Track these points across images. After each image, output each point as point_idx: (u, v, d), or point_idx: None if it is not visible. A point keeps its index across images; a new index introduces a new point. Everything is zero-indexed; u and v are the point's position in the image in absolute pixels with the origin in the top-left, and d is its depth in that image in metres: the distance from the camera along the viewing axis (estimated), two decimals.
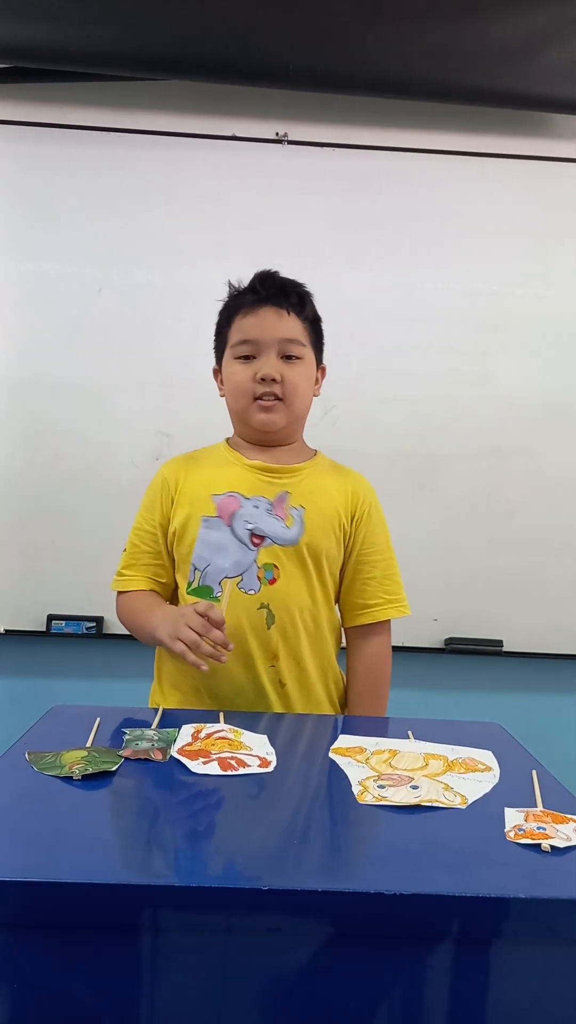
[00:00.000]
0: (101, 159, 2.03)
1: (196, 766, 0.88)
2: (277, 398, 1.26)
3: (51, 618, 2.05)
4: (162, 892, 0.62)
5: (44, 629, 2.04)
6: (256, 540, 1.10)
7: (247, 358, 1.27)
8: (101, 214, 2.04)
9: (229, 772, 0.87)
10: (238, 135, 2.05)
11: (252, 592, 1.12)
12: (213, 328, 2.03)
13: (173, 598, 1.31)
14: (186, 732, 1.00)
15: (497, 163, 2.08)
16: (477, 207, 2.08)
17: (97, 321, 2.04)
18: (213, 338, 1.37)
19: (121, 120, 2.04)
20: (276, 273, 1.34)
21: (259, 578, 1.12)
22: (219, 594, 1.10)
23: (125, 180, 2.04)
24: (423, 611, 2.12)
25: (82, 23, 1.86)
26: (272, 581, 1.20)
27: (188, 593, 1.11)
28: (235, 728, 1.02)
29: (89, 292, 2.04)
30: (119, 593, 1.33)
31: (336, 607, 1.34)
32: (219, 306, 2.09)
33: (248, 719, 1.14)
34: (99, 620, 2.04)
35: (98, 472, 2.05)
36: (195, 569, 1.09)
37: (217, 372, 1.37)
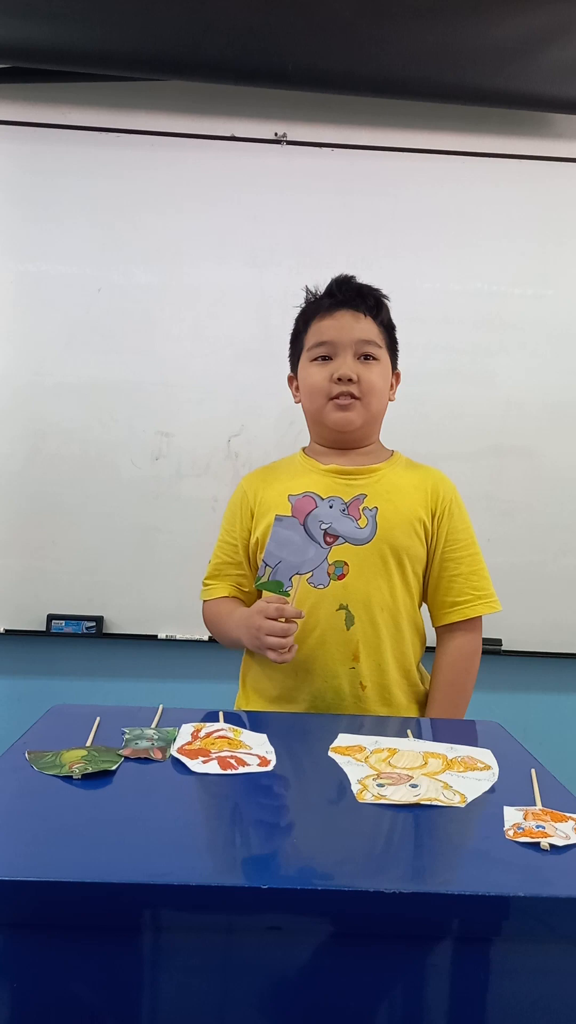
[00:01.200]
0: (100, 159, 2.03)
1: (196, 765, 0.88)
2: (354, 397, 1.27)
3: (51, 618, 2.05)
4: (162, 891, 0.63)
5: (44, 629, 2.05)
6: (329, 539, 1.12)
7: (324, 359, 1.28)
8: (100, 214, 2.04)
9: (229, 771, 0.87)
10: (237, 135, 2.05)
11: (321, 587, 1.15)
12: (212, 327, 2.05)
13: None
14: (186, 731, 1.00)
15: (497, 163, 2.08)
16: (477, 207, 2.08)
17: (96, 321, 2.04)
18: (289, 346, 1.39)
19: (120, 120, 2.04)
20: (353, 277, 1.35)
21: (329, 574, 1.14)
22: (289, 588, 1.11)
23: (124, 180, 2.04)
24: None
25: (81, 23, 1.86)
26: (341, 577, 1.21)
27: (257, 587, 1.13)
28: (235, 727, 1.02)
29: (88, 292, 2.04)
30: (204, 602, 1.36)
31: (423, 607, 1.34)
32: (221, 305, 2.11)
33: (248, 717, 1.14)
34: (99, 620, 2.05)
35: (98, 471, 2.05)
36: (266, 565, 1.11)
37: (292, 379, 1.39)
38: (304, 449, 1.39)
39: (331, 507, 1.14)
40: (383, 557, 1.24)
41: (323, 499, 1.13)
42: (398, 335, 2.05)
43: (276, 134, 2.05)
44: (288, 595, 1.12)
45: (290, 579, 1.11)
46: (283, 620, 1.13)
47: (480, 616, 1.33)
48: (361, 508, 1.15)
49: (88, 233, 2.04)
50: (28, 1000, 0.63)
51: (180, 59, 1.91)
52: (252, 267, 2.04)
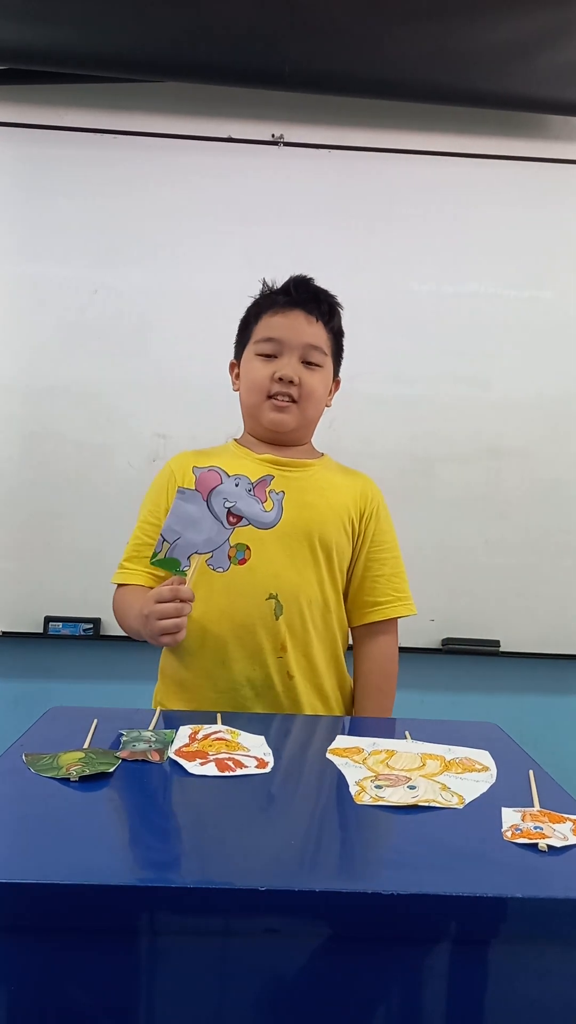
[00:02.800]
0: (96, 161, 2.04)
1: (193, 767, 0.88)
2: (292, 400, 1.27)
3: (48, 620, 2.04)
4: (159, 893, 0.62)
5: (41, 631, 2.04)
6: (232, 519, 1.08)
7: (269, 357, 1.28)
8: (97, 216, 2.04)
9: (227, 773, 0.87)
10: (234, 137, 2.05)
11: (221, 570, 1.11)
12: (209, 328, 2.05)
13: None
14: (183, 733, 1.00)
15: (493, 165, 2.08)
16: (473, 209, 2.08)
17: (93, 323, 2.04)
18: (237, 333, 1.38)
19: (117, 122, 2.04)
20: (311, 280, 1.35)
21: (230, 556, 1.12)
22: (186, 568, 1.08)
23: (121, 182, 2.04)
24: (420, 612, 2.11)
25: (78, 25, 1.86)
26: (242, 561, 1.20)
27: (152, 563, 1.09)
28: (232, 729, 1.02)
29: (85, 294, 2.04)
30: (117, 586, 1.33)
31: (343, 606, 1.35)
32: (218, 307, 2.10)
33: (246, 719, 1.14)
34: (96, 622, 2.04)
35: (95, 474, 2.05)
36: (163, 540, 1.07)
37: (234, 366, 1.38)
38: (236, 440, 1.39)
39: (237, 485, 1.07)
40: (313, 550, 1.25)
41: (229, 476, 1.08)
42: (397, 334, 2.08)
43: (273, 136, 2.05)
44: (185, 575, 1.08)
45: (188, 558, 1.07)
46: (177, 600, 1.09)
47: (397, 619, 1.34)
48: (268, 491, 1.11)
49: (84, 235, 2.04)
50: (25, 1003, 0.63)
51: (177, 61, 1.91)
52: (248, 269, 2.03)
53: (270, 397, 1.28)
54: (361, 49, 1.90)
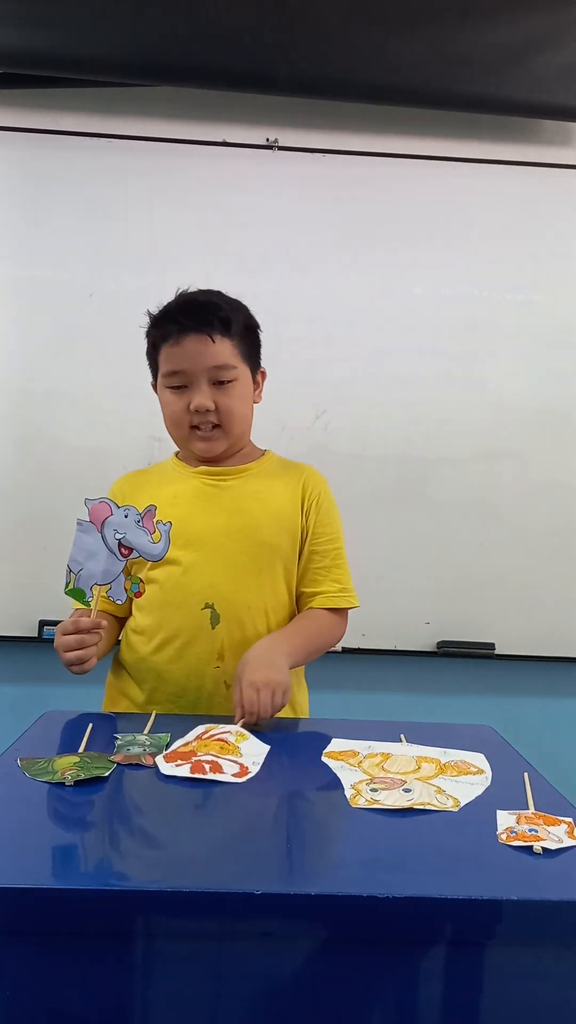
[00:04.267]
0: (93, 165, 2.04)
1: (168, 768, 0.88)
2: (215, 425, 1.26)
3: (43, 624, 2.04)
4: (155, 898, 0.62)
5: (36, 635, 2.04)
6: (124, 551, 1.10)
7: (179, 388, 1.26)
8: (92, 219, 2.04)
9: (198, 775, 0.86)
10: (229, 141, 2.05)
11: (119, 602, 1.12)
12: None
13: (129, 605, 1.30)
14: (193, 733, 0.99)
15: (488, 169, 2.09)
16: (467, 212, 2.09)
17: (88, 326, 2.04)
18: (146, 354, 1.34)
19: (113, 126, 2.04)
20: (197, 295, 1.31)
21: (125, 589, 1.13)
22: (90, 599, 1.10)
23: (116, 185, 2.04)
24: (415, 614, 2.13)
25: (73, 30, 1.86)
26: (138, 594, 1.22)
27: (65, 594, 1.12)
28: (242, 732, 1.01)
29: (80, 297, 2.04)
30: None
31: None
32: None
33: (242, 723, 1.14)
34: None
35: (90, 477, 2.02)
36: (69, 571, 1.10)
37: (156, 387, 1.36)
38: (177, 454, 1.39)
39: (126, 516, 1.09)
40: (253, 556, 1.24)
41: (119, 507, 1.09)
42: (393, 338, 2.08)
43: (268, 140, 2.06)
44: (89, 605, 1.10)
45: (90, 589, 1.09)
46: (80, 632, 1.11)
47: (344, 609, 1.32)
48: (155, 521, 1.11)
49: (79, 238, 2.04)
50: (20, 1007, 0.62)
51: (173, 65, 1.92)
52: (244, 272, 2.04)
53: (192, 427, 1.27)
54: (356, 53, 1.90)
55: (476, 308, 2.09)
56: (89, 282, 2.04)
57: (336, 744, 1.01)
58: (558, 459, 2.11)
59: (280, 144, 2.06)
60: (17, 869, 0.65)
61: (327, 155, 2.06)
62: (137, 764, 0.90)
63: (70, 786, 0.83)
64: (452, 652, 2.09)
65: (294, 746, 1.07)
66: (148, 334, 1.31)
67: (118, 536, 1.09)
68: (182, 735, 1.02)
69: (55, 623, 2.05)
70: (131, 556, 1.09)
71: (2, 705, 2.08)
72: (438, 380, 2.08)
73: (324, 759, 0.95)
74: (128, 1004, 0.63)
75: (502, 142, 2.09)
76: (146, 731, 1.02)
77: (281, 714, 1.18)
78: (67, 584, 1.09)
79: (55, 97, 2.03)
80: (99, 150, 2.03)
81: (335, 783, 0.87)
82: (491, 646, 2.10)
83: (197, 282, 2.04)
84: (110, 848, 0.70)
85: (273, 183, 2.05)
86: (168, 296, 2.04)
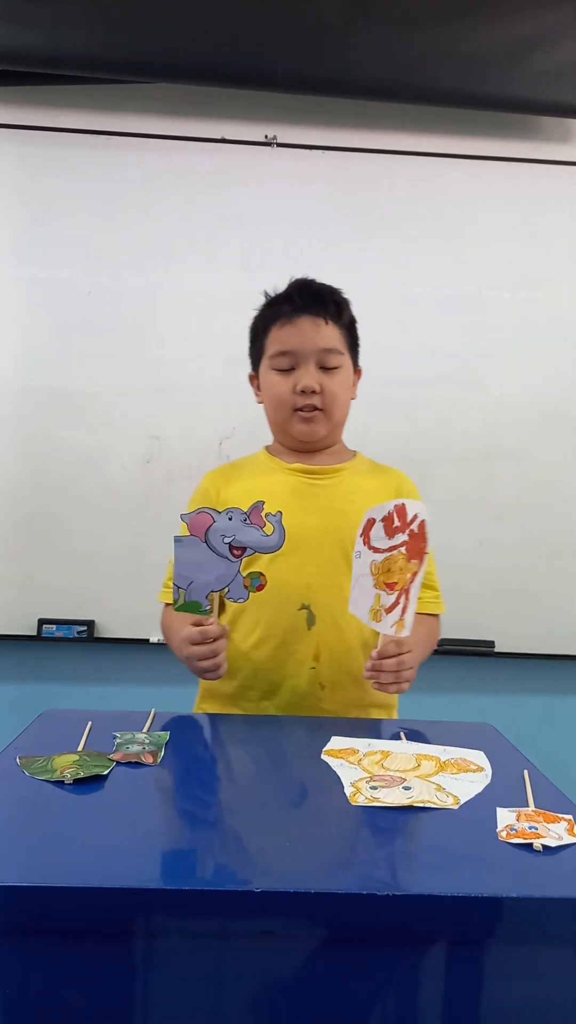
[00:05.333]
0: (91, 162, 2.03)
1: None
2: (317, 408, 1.27)
3: (42, 622, 2.04)
4: (154, 895, 0.62)
5: (35, 633, 2.04)
6: (236, 552, 1.09)
7: (286, 370, 1.27)
8: (91, 217, 2.03)
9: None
10: (228, 138, 2.05)
11: (241, 600, 1.12)
12: (204, 330, 2.05)
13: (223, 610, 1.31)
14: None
15: (486, 166, 2.09)
16: (466, 210, 2.09)
17: (87, 324, 2.03)
18: (249, 344, 1.36)
19: (111, 123, 2.04)
20: (313, 280, 1.33)
21: (246, 587, 1.13)
22: (207, 608, 1.10)
23: (115, 183, 2.04)
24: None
25: (73, 27, 1.86)
26: (259, 588, 1.18)
27: (176, 610, 1.12)
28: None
29: (79, 295, 2.03)
30: (165, 604, 1.35)
31: None
32: (212, 308, 2.11)
33: (243, 721, 1.14)
34: (90, 624, 2.04)
35: (89, 476, 2.04)
36: (177, 588, 1.10)
37: (253, 378, 1.37)
38: (267, 448, 1.39)
39: (230, 519, 1.09)
40: (347, 557, 1.23)
41: (219, 512, 1.09)
42: (391, 336, 2.07)
43: (267, 137, 2.06)
44: (208, 613, 1.11)
45: (206, 597, 1.09)
46: (210, 640, 1.12)
47: (436, 615, 1.34)
48: (263, 515, 1.11)
49: (78, 236, 2.04)
50: (19, 1006, 0.62)
51: (171, 62, 1.92)
52: (243, 270, 2.04)
53: (296, 410, 1.27)
54: (354, 50, 1.90)
55: (475, 306, 2.09)
56: (87, 280, 2.04)
57: (336, 742, 1.01)
58: (558, 457, 2.11)
59: (279, 141, 2.06)
60: (16, 867, 0.65)
61: (326, 152, 2.06)
62: (136, 762, 0.89)
63: (69, 784, 0.83)
64: (451, 650, 2.09)
65: (294, 744, 1.07)
66: (260, 316, 1.33)
67: (227, 540, 1.09)
68: (182, 735, 1.02)
69: (54, 622, 2.06)
70: (246, 554, 1.10)
71: (1, 704, 2.08)
72: (437, 379, 2.08)
73: (324, 757, 0.95)
74: (128, 1002, 0.63)
75: (501, 139, 2.09)
76: (145, 729, 1.02)
77: (375, 714, 1.24)
78: (176, 601, 1.10)
79: (54, 94, 2.02)
80: (98, 147, 2.03)
81: (335, 781, 0.87)
82: (491, 644, 2.10)
83: (196, 280, 2.05)
84: (109, 846, 0.70)
85: (272, 180, 2.05)
86: (165, 295, 2.05)
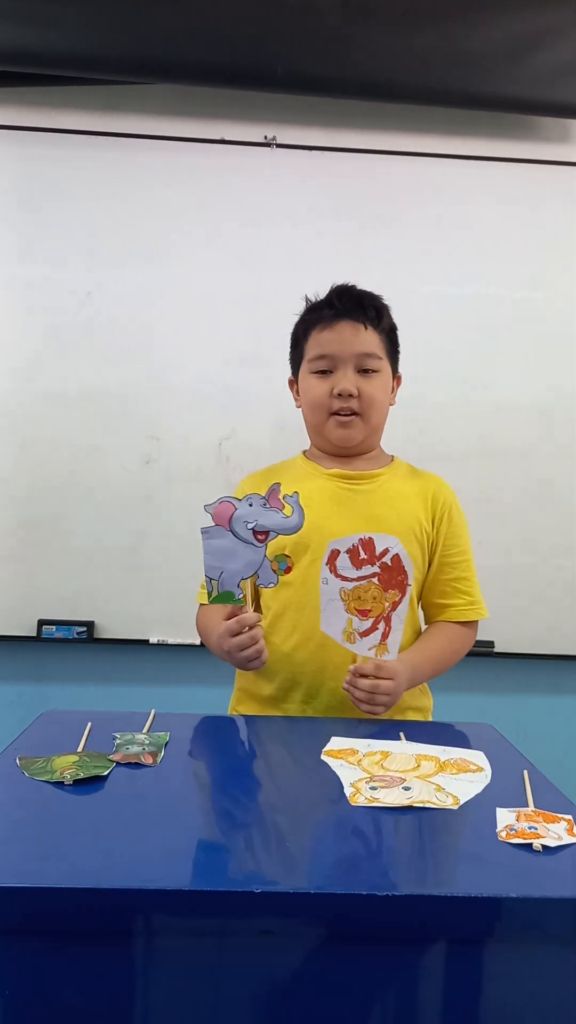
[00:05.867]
0: (90, 162, 2.03)
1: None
2: (354, 413, 1.27)
3: (42, 623, 2.04)
4: (154, 896, 0.62)
5: (35, 634, 2.04)
6: (260, 536, 1.11)
7: (324, 372, 1.28)
8: (90, 218, 2.03)
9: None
10: (227, 138, 2.05)
11: (271, 585, 1.13)
12: (203, 331, 2.05)
13: (257, 607, 1.32)
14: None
15: (486, 166, 2.09)
16: (466, 210, 2.09)
17: (87, 325, 2.03)
18: (289, 350, 1.38)
19: (111, 124, 2.04)
20: (354, 287, 1.34)
21: (274, 570, 1.14)
22: (240, 596, 1.11)
23: (114, 183, 2.04)
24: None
25: (72, 27, 1.86)
26: (287, 570, 1.19)
27: (210, 602, 1.13)
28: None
29: (78, 296, 2.03)
30: (201, 606, 1.35)
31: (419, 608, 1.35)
32: (211, 308, 2.11)
33: (243, 722, 1.14)
34: (90, 625, 2.04)
35: (88, 476, 2.04)
36: (209, 580, 1.11)
37: (292, 383, 1.38)
38: (305, 452, 1.40)
39: (251, 505, 1.10)
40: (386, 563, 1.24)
41: (239, 500, 1.11)
42: None
43: (266, 137, 2.06)
44: (242, 602, 1.12)
45: (238, 586, 1.10)
46: (247, 629, 1.13)
47: (474, 620, 1.34)
48: (281, 497, 1.12)
49: (77, 237, 2.03)
50: (20, 1006, 0.62)
51: (171, 62, 1.91)
52: (243, 270, 2.04)
53: (333, 414, 1.28)
54: (353, 51, 1.90)
55: (475, 306, 2.09)
56: (87, 281, 2.04)
57: (335, 742, 1.01)
58: (558, 458, 2.11)
59: (279, 141, 2.06)
60: (16, 868, 0.65)
61: (326, 152, 2.06)
62: (136, 763, 0.89)
63: (69, 785, 0.83)
64: None
65: (294, 745, 1.07)
66: (301, 321, 1.34)
67: (250, 526, 1.10)
68: (182, 736, 1.02)
69: (54, 623, 2.06)
70: (270, 538, 1.11)
71: (1, 704, 2.08)
72: (438, 378, 2.08)
73: (323, 757, 0.95)
74: (128, 1003, 0.63)
75: (501, 139, 2.09)
76: (145, 730, 1.02)
77: (411, 716, 1.26)
78: (210, 593, 1.11)
79: (53, 95, 2.02)
80: (97, 148, 2.03)
81: (335, 781, 0.87)
82: (490, 644, 2.10)
83: (195, 281, 2.04)
84: (109, 847, 0.70)
85: (272, 180, 2.05)
86: (164, 296, 2.05)
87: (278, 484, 1.13)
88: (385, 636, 1.12)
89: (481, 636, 2.10)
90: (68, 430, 2.03)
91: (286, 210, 2.05)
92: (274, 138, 2.06)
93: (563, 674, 2.17)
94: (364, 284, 2.05)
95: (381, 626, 1.12)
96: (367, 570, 1.12)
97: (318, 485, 1.30)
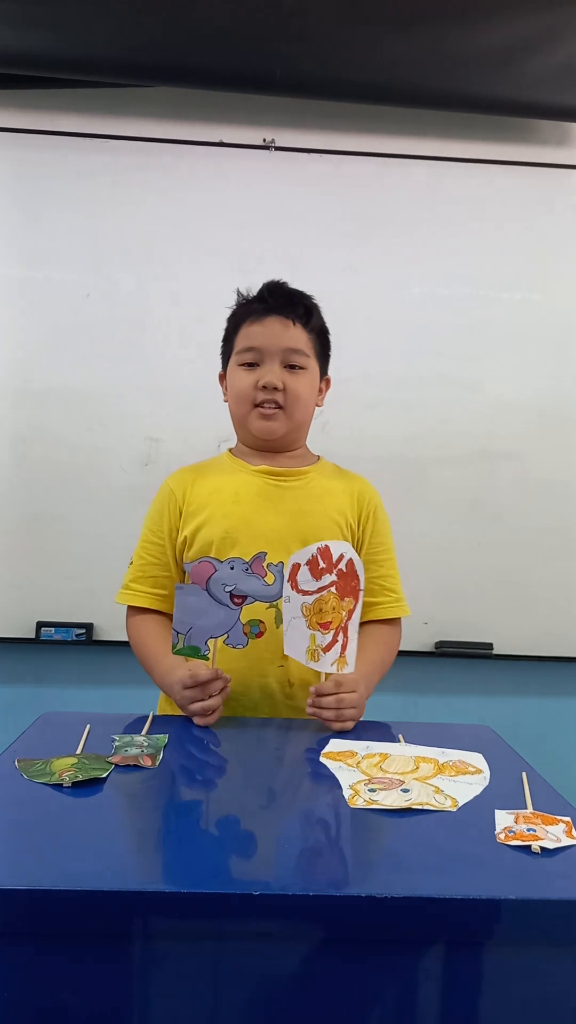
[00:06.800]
0: (89, 165, 2.04)
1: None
2: (278, 406, 1.28)
3: (40, 625, 2.04)
4: (153, 899, 0.62)
5: (34, 636, 2.03)
6: (237, 600, 1.11)
7: (251, 365, 1.29)
8: (89, 220, 2.04)
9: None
10: (226, 141, 2.06)
11: (240, 647, 1.13)
12: (201, 333, 2.05)
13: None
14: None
15: (484, 169, 2.09)
16: (465, 213, 2.09)
17: (85, 326, 2.04)
18: (221, 344, 1.39)
19: (109, 127, 2.04)
20: (285, 284, 1.35)
21: (245, 634, 1.14)
22: (207, 652, 1.11)
23: (113, 186, 2.04)
24: (413, 615, 2.11)
25: (70, 30, 1.86)
26: (259, 635, 1.20)
27: (174, 653, 1.12)
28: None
29: (77, 297, 2.04)
30: (129, 608, 1.35)
31: None
32: (209, 311, 2.10)
33: (241, 724, 1.14)
34: (89, 627, 2.04)
35: (87, 478, 2.04)
36: (177, 633, 1.10)
37: (223, 377, 1.39)
38: (231, 450, 1.40)
39: (232, 568, 1.10)
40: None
41: (221, 562, 1.11)
42: (390, 338, 2.08)
43: (265, 140, 2.06)
44: (207, 659, 1.11)
45: (205, 643, 1.10)
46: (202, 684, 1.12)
47: (398, 617, 1.35)
48: (265, 565, 1.12)
49: (76, 239, 2.04)
50: (18, 1009, 0.62)
51: (169, 65, 1.92)
52: (241, 272, 2.04)
53: (256, 406, 1.28)
54: (352, 54, 1.90)
55: (473, 308, 2.09)
56: (86, 282, 2.04)
57: (334, 744, 1.01)
58: (556, 458, 2.11)
59: (277, 144, 2.06)
60: (14, 870, 0.65)
61: (324, 155, 2.07)
62: (135, 765, 0.89)
63: (68, 787, 0.83)
64: (450, 652, 2.09)
65: (292, 746, 1.07)
66: (232, 315, 1.35)
67: (228, 589, 1.10)
68: (181, 738, 1.02)
69: (52, 624, 2.06)
70: (246, 603, 1.11)
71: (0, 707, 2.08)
72: (435, 380, 2.08)
73: (322, 759, 0.95)
74: (126, 1005, 0.63)
75: (498, 142, 2.09)
76: (144, 732, 1.02)
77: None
78: (175, 645, 1.11)
79: (51, 98, 2.03)
80: (96, 151, 2.03)
81: (333, 783, 0.87)
82: (489, 646, 2.10)
83: (194, 282, 2.05)
84: (107, 849, 0.70)
85: (270, 183, 2.06)
86: (163, 297, 2.05)
87: (264, 553, 1.13)
88: (344, 648, 1.13)
89: (480, 638, 2.12)
90: (67, 431, 2.03)
91: (285, 212, 2.05)
92: (273, 141, 2.06)
93: (561, 676, 2.17)
94: (362, 286, 2.08)
95: (340, 638, 1.12)
96: (326, 579, 1.12)
97: (246, 480, 1.30)
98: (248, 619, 1.19)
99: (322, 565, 1.12)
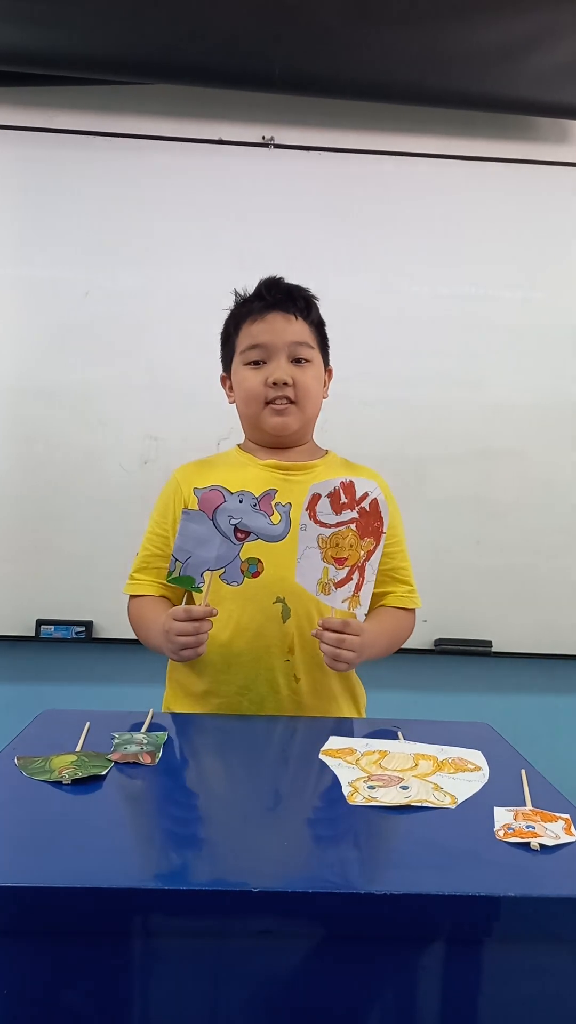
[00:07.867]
0: (88, 163, 2.03)
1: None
2: (290, 401, 1.28)
3: (40, 623, 2.04)
4: (152, 896, 0.62)
5: (33, 634, 2.04)
6: (240, 535, 1.09)
7: (257, 363, 1.28)
8: (88, 218, 2.03)
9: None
10: (225, 139, 2.05)
11: (235, 584, 1.12)
12: (201, 331, 2.03)
13: (189, 600, 1.31)
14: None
15: (484, 166, 2.09)
16: (464, 210, 2.09)
17: (85, 325, 2.04)
18: (220, 347, 1.38)
19: (108, 124, 2.04)
20: (281, 279, 1.35)
21: (242, 571, 1.13)
22: (201, 584, 1.10)
23: (112, 184, 2.04)
24: None
25: (69, 28, 1.86)
26: (255, 575, 1.19)
27: (168, 582, 1.12)
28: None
29: (76, 296, 2.03)
30: (131, 597, 1.35)
31: None
32: (209, 309, 2.09)
33: (241, 721, 1.14)
34: (88, 624, 2.04)
35: (87, 476, 2.04)
36: (175, 560, 1.09)
37: (225, 379, 1.39)
38: (239, 445, 1.40)
39: (240, 502, 1.08)
40: None
41: (232, 493, 1.09)
42: (389, 336, 2.08)
43: (264, 138, 2.06)
44: (200, 591, 1.10)
45: (201, 575, 1.09)
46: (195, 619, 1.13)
47: (411, 609, 1.35)
48: (273, 503, 1.11)
49: (75, 237, 2.04)
50: (17, 1007, 0.62)
51: (168, 63, 1.92)
52: (240, 270, 2.02)
53: (268, 403, 1.28)
54: (351, 51, 1.90)
55: (473, 306, 2.09)
56: (85, 280, 2.04)
57: (333, 742, 1.01)
58: (555, 457, 2.11)
59: (276, 142, 2.06)
60: (14, 868, 0.65)
61: (323, 153, 2.07)
62: (134, 763, 0.90)
63: (67, 785, 0.83)
64: (449, 650, 2.10)
65: (291, 744, 1.07)
66: (231, 316, 1.35)
67: (233, 521, 1.08)
68: (180, 736, 1.02)
69: (52, 623, 2.06)
70: (248, 539, 1.09)
71: None
72: (435, 378, 2.08)
73: (321, 757, 0.95)
74: (127, 1002, 0.63)
75: (498, 139, 2.09)
76: (143, 730, 1.02)
77: (342, 702, 1.25)
78: (170, 572, 1.09)
79: (51, 95, 2.03)
80: (95, 148, 2.03)
81: (332, 781, 0.87)
82: (488, 644, 2.10)
83: (193, 281, 2.05)
84: (107, 847, 0.70)
85: (269, 181, 2.06)
86: (162, 295, 2.05)
87: (274, 490, 1.12)
88: (358, 588, 1.10)
89: (479, 636, 2.12)
90: (66, 430, 2.03)
91: (284, 210, 2.05)
92: (272, 138, 2.06)
93: (561, 673, 2.17)
94: (361, 284, 2.07)
95: (355, 577, 1.10)
96: (347, 515, 1.10)
97: (254, 474, 1.30)
98: (247, 556, 1.17)
99: (344, 500, 1.10)
